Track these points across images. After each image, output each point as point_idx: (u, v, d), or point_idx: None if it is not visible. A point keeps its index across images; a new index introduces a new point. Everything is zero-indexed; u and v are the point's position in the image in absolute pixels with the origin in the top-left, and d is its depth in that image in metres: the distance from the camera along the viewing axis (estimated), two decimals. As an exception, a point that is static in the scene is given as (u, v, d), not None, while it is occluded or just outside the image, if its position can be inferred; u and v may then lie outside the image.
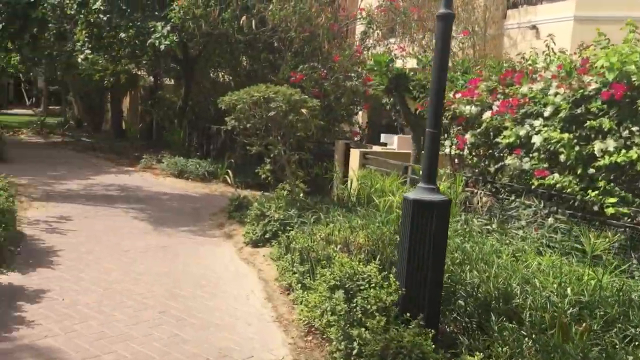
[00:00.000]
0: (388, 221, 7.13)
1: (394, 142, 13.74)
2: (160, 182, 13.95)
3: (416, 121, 10.22)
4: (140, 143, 20.36)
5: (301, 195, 8.89)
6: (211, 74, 19.47)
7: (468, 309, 5.24)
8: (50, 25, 19.32)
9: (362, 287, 4.95)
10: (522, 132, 7.56)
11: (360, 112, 15.64)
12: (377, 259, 6.24)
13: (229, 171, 14.09)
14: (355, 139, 14.17)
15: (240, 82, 15.75)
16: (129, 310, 5.77)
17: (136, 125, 22.22)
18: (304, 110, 8.23)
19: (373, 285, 4.95)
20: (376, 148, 12.73)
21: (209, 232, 9.36)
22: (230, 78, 17.36)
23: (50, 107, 39.03)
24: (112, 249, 7.89)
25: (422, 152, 10.64)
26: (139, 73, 21.99)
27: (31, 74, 31.62)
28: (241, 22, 12.47)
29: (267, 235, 8.31)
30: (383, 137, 14.64)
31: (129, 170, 15.42)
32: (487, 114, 8.13)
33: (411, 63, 12.88)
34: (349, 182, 10.17)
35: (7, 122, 26.69)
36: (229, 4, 12.79)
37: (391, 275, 5.19)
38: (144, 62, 18.19)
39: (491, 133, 8.11)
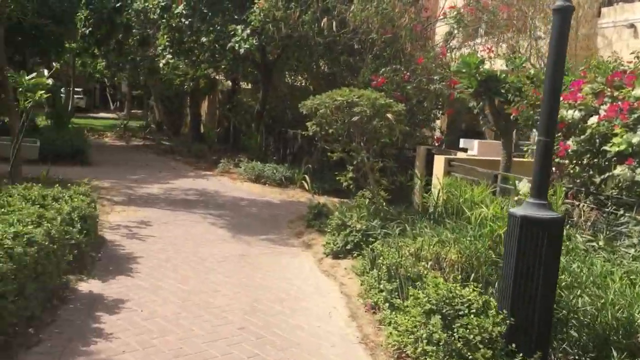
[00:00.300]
0: (481, 235, 6.54)
1: (474, 148, 13.02)
2: (237, 186, 13.84)
3: (507, 126, 9.51)
4: (218, 147, 20.48)
5: (383, 204, 8.41)
6: (287, 78, 19.35)
7: (582, 340, 4.62)
8: (134, 30, 19.82)
9: (461, 313, 4.43)
10: (635, 140, 6.77)
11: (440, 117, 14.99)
12: (472, 277, 5.70)
13: (306, 177, 13.81)
14: (436, 144, 13.55)
15: (319, 86, 15.46)
16: (208, 324, 5.49)
17: (214, 129, 22.40)
18: (389, 115, 7.76)
19: (474, 311, 4.43)
20: (460, 154, 12.07)
21: (288, 241, 9.04)
22: (308, 82, 17.09)
23: (133, 110, 40.32)
24: (190, 257, 7.70)
25: (514, 159, 9.96)
26: (218, 77, 22.17)
27: (116, 78, 32.74)
28: (322, 24, 12.14)
29: (348, 247, 7.90)
30: (462, 142, 13.93)
31: (207, 174, 15.43)
32: (592, 119, 7.37)
33: (498, 65, 12.15)
34: (432, 190, 9.61)
35: (92, 126, 27.69)
36: (309, 5, 12.49)
37: (492, 300, 4.65)
38: (223, 66, 18.23)
39: (597, 140, 7.33)
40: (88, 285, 6.26)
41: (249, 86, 21.77)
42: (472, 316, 4.35)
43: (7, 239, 4.89)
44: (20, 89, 8.81)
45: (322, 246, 8.35)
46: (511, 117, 8.68)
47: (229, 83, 22.71)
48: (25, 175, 11.27)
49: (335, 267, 7.58)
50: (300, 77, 18.72)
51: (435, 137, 14.02)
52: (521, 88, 8.45)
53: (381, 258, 6.08)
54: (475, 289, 4.70)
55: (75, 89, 41.56)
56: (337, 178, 8.97)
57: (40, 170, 12.09)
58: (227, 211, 10.92)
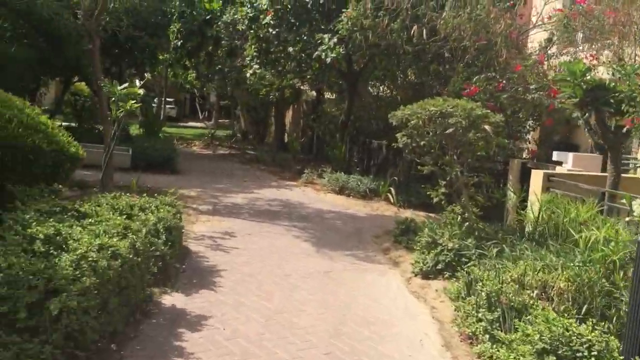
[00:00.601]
0: (592, 261, 5.84)
1: (568, 161, 12.07)
2: (321, 198, 13.55)
3: (615, 139, 8.65)
4: (302, 156, 20.37)
5: (478, 222, 7.81)
6: (371, 88, 18.95)
7: None
8: (222, 42, 20.10)
9: (579, 355, 3.84)
10: None
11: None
12: (584, 310, 5.06)
13: (391, 189, 13.33)
14: (526, 156, 12.69)
15: (406, 96, 14.96)
16: (292, 347, 5.15)
17: (298, 139, 22.32)
18: (486, 127, 7.19)
19: (595, 353, 3.82)
20: (559, 169, 11.18)
21: (374, 257, 8.60)
22: (394, 92, 16.62)
23: (220, 120, 41.26)
24: (273, 272, 7.42)
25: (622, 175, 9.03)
26: (303, 87, 22.12)
27: (205, 89, 33.52)
28: (411, 32, 11.65)
29: (439, 266, 7.37)
30: (556, 155, 12.96)
31: (290, 184, 15.26)
32: None
33: (600, 73, 11.21)
34: (529, 207, 8.88)
35: (182, 135, 28.42)
36: (398, 13, 12.04)
37: (615, 341, 4.02)
38: (308, 76, 18.09)
39: None
40: (171, 299, 6.09)
41: (334, 96, 21.55)
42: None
43: (92, 252, 4.76)
44: (113, 99, 8.90)
45: (411, 264, 7.85)
46: (623, 129, 7.87)
47: (314, 93, 22.60)
48: (117, 183, 11.48)
49: (425, 288, 7.07)
50: (385, 87, 18.28)
51: (530, 149, 13.15)
52: (636, 98, 7.61)
53: (480, 284, 5.52)
54: (595, 327, 4.09)
55: (167, 99, 43.19)
56: (427, 193, 8.45)
57: (132, 178, 12.30)
58: (311, 223, 10.62)
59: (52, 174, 7.27)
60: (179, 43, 23.07)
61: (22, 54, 13.27)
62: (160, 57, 26.17)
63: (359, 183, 13.90)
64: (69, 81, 19.04)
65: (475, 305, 5.48)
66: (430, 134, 7.70)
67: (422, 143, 7.69)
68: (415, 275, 7.55)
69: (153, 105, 23.67)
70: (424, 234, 7.86)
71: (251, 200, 12.44)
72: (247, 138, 27.37)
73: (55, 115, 19.44)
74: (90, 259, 4.63)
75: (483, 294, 5.35)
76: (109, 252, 4.91)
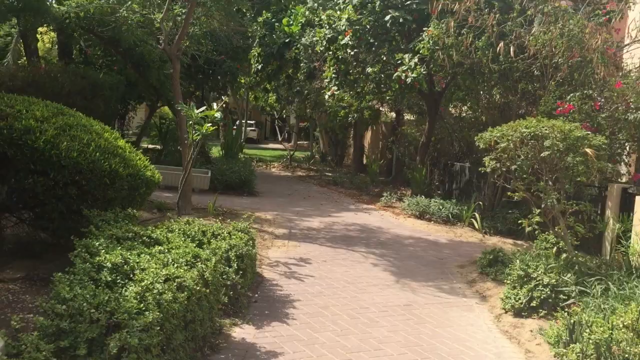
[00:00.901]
0: None
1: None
2: (400, 223, 12.95)
3: None
4: (380, 179, 19.86)
5: (578, 255, 7.00)
6: (453, 109, 18.22)
7: None
8: (301, 64, 20.02)
9: None
10: None
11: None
12: None
13: (476, 214, 12.55)
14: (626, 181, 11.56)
15: (491, 117, 14.19)
16: (369, 394, 4.63)
17: (377, 161, 21.79)
18: (588, 150, 6.43)
19: None
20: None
21: (459, 290, 7.93)
22: (479, 112, 15.84)
23: (299, 142, 41.51)
24: (350, 304, 6.92)
25: None
26: (382, 109, 21.68)
27: (284, 111, 33.75)
28: (497, 49, 10.97)
29: (533, 303, 6.62)
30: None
31: (368, 207, 14.76)
32: None
33: None
34: (633, 238, 7.94)
35: (262, 156, 28.62)
36: (483, 30, 11.40)
37: None
38: (388, 97, 17.66)
39: None
40: (242, 332, 5.73)
41: (413, 117, 20.95)
42: None
43: (158, 283, 4.47)
44: (190, 122, 8.79)
45: (501, 299, 7.12)
46: None
47: (393, 115, 22.11)
48: (195, 205, 11.41)
49: (517, 328, 6.35)
50: (467, 107, 17.50)
51: (631, 173, 12.02)
52: None
53: (587, 331, 4.79)
54: None
55: (249, 122, 44.03)
56: (519, 221, 7.71)
57: (209, 199, 12.24)
58: (389, 251, 10.07)
59: (128, 198, 7.15)
60: (260, 67, 23.30)
61: (111, 80, 13.62)
62: (242, 80, 26.68)
63: (441, 207, 13.21)
64: (154, 105, 19.55)
65: (581, 355, 4.75)
66: (522, 157, 7.02)
67: (512, 167, 7.02)
68: (506, 312, 6.83)
69: (234, 127, 23.90)
70: (515, 266, 7.14)
71: (328, 225, 12.03)
72: (326, 160, 27.17)
73: (141, 138, 20.01)
74: (155, 290, 4.33)
75: (591, 342, 4.62)
76: (175, 283, 4.60)
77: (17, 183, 6.51)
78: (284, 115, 40.51)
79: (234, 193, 14.73)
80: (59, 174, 6.21)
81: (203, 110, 8.91)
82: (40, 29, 15.67)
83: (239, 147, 18.01)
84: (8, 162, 6.29)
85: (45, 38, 19.27)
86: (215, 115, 9.08)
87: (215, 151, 21.29)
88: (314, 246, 9.93)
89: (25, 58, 14.29)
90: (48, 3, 11.91)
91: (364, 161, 23.38)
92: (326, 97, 16.11)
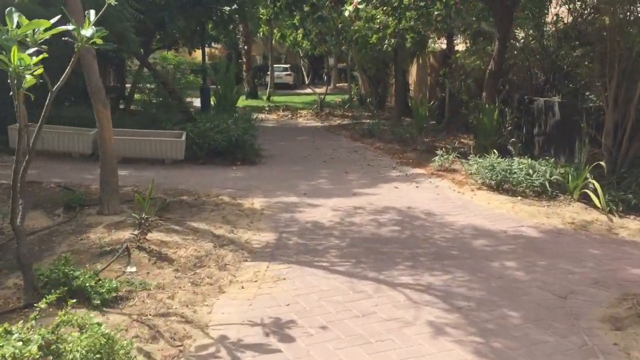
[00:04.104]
0: None
1: None
2: (467, 201, 7.80)
3: None
4: (431, 124, 14.58)
5: None
6: (519, 30, 12.60)
7: None
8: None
9: None
10: None
11: None
12: None
13: (593, 182, 7.30)
14: None
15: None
16: None
17: (425, 102, 16.28)
18: None
19: None
20: None
21: None
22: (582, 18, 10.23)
23: (339, 84, 36.20)
24: None
25: None
26: (429, 34, 16.00)
27: (317, 50, 28.06)
28: None
29: None
30: None
31: (415, 174, 9.60)
32: None
33: None
34: None
35: (290, 104, 23.55)
36: None
37: None
38: (436, 13, 12.11)
39: None
40: None
41: (467, 44, 15.25)
42: None
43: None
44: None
45: None
46: None
47: (442, 44, 16.49)
48: (143, 192, 6.63)
49: None
50: (551, 20, 11.81)
51: None
52: None
53: None
54: None
55: (282, 65, 38.64)
56: None
57: (177, 177, 7.54)
58: (459, 273, 5.07)
59: None
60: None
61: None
62: (262, 13, 21.39)
63: (531, 172, 7.96)
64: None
65: None
66: None
67: None
68: None
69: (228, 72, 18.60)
70: None
71: (347, 214, 7.05)
72: (365, 103, 21.84)
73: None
74: None
75: None
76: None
77: None
78: (319, 56, 34.82)
79: (222, 162, 9.88)
80: None
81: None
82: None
83: (235, 98, 12.78)
84: None
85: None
86: (83, 34, 4.13)
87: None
88: (310, 274, 5.00)
89: None
90: None
91: (409, 102, 17.89)
92: (346, 14, 10.74)
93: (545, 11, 12.16)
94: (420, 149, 11.59)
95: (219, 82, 12.70)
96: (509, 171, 7.96)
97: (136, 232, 5.19)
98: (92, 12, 4.15)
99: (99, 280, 4.27)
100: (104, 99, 6.26)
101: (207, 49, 39.20)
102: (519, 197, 7.68)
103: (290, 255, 5.54)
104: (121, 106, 14.30)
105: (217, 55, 43.94)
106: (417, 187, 8.56)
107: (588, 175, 7.49)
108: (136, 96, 14.62)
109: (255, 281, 4.87)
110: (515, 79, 12.48)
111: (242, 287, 4.74)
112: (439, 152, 9.83)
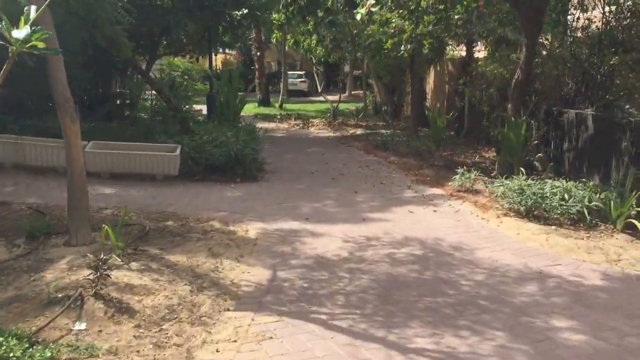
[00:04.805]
0: None
1: None
2: (492, 230, 6.71)
3: None
4: (450, 134, 13.50)
5: None
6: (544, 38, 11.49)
7: None
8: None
9: None
10: None
11: None
12: None
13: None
14: None
15: None
16: None
17: (442, 112, 15.18)
18: None
19: None
20: None
21: None
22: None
23: (354, 92, 35.23)
24: None
25: None
26: (447, 40, 14.91)
27: (331, 57, 27.07)
28: None
29: None
30: None
31: (433, 195, 8.52)
32: None
33: None
34: None
35: (303, 112, 22.58)
36: None
37: None
38: (456, 17, 11.06)
39: None
40: None
41: (488, 51, 14.13)
42: None
43: None
44: None
45: None
46: None
47: (462, 52, 15.40)
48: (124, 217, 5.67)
49: None
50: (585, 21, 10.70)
51: None
52: None
53: None
54: None
55: (297, 72, 37.72)
56: None
57: (169, 196, 6.63)
58: (490, 333, 4.02)
59: None
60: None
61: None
62: (275, 17, 20.46)
63: (566, 197, 6.86)
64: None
65: None
66: None
67: None
68: None
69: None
70: None
71: (357, 246, 6.01)
72: (380, 111, 20.78)
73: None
74: None
75: None
76: None
77: None
78: (335, 63, 33.84)
79: (221, 179, 8.90)
80: None
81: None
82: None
83: (238, 108, 11.67)
84: None
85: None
86: (15, 36, 3.12)
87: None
88: (304, 332, 3.98)
89: None
90: None
91: (426, 112, 16.79)
92: (358, 17, 9.73)
93: (572, 14, 11.09)
94: (438, 165, 10.53)
95: (221, 91, 11.71)
96: (540, 195, 6.86)
97: (91, 276, 4.22)
98: (33, 7, 3.19)
99: (28, 348, 3.30)
100: (72, 112, 5.32)
101: (221, 55, 38.56)
102: (553, 227, 6.58)
103: (282, 302, 4.53)
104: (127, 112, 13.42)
105: (231, 62, 43.25)
106: (434, 211, 7.50)
107: (634, 203, 6.40)
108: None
109: (235, 341, 3.87)
110: (541, 89, 11.37)
111: (217, 351, 3.74)
112: (459, 170, 8.75)
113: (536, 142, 10.20)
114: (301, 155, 12.10)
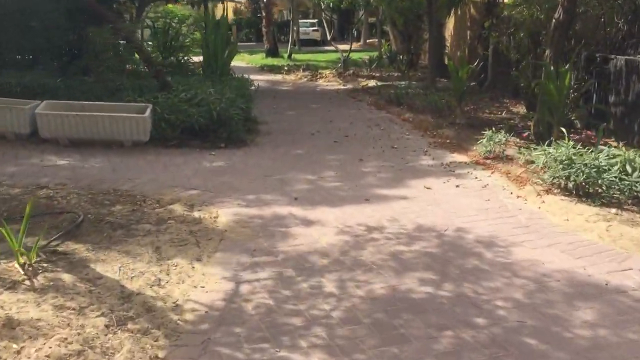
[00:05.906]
0: None
1: None
2: (533, 213, 5.09)
3: None
4: (471, 85, 11.64)
5: None
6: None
7: None
8: None
9: None
10: None
11: None
12: None
13: None
14: None
15: None
16: None
17: (465, 62, 13.17)
18: None
19: None
20: None
21: None
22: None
23: (369, 40, 33.00)
24: None
25: None
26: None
27: (343, 4, 24.87)
28: None
29: None
30: None
31: (454, 162, 6.88)
32: None
33: None
34: None
35: (313, 63, 20.69)
36: None
37: None
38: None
39: None
40: None
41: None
42: None
43: None
44: None
45: None
46: None
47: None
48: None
49: None
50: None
51: None
52: None
53: None
54: None
55: (309, 21, 35.42)
56: None
57: (138, 166, 5.17)
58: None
59: None
60: None
61: None
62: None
63: (629, 169, 5.19)
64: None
65: None
66: None
67: None
68: None
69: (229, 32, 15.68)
70: None
71: (355, 241, 4.47)
72: (395, 61, 18.81)
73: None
74: None
75: None
76: None
77: None
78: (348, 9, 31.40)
79: (202, 144, 7.35)
80: None
81: None
82: None
83: (226, 59, 9.82)
84: None
85: None
86: None
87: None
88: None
89: None
90: None
91: (445, 61, 14.83)
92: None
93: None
94: (460, 123, 8.83)
95: (208, 40, 9.97)
96: (595, 169, 5.20)
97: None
98: None
99: None
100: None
101: (231, 4, 36.28)
102: (613, 210, 4.96)
103: (238, 342, 3.06)
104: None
105: (242, 11, 40.90)
106: (457, 186, 5.89)
107: None
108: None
109: None
110: (581, 32, 9.48)
111: None
112: (486, 131, 7.06)
113: (575, 94, 8.42)
114: (303, 113, 10.46)
